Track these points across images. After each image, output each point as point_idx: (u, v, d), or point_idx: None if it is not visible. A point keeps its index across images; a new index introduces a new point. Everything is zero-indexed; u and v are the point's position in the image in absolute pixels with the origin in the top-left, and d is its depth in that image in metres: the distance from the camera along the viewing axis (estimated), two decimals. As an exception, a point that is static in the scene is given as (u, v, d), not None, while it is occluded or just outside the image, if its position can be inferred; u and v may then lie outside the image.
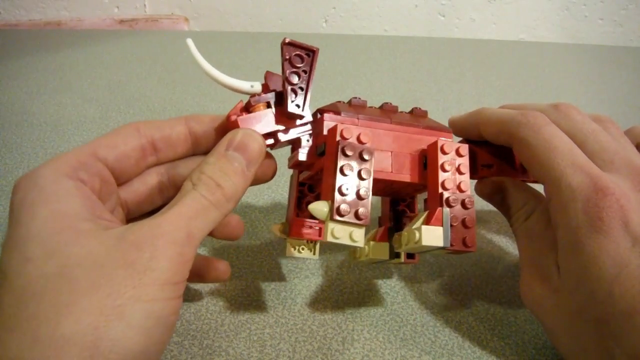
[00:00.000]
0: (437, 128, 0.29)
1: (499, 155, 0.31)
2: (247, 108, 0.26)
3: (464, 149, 0.27)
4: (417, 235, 0.25)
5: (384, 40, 0.78)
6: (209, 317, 0.29)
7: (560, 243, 0.25)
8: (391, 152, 0.27)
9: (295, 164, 0.28)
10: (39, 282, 0.19)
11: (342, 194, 0.24)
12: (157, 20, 1.07)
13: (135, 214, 0.26)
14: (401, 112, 0.29)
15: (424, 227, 0.25)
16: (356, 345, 0.28)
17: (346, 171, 0.24)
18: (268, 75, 0.26)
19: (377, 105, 0.30)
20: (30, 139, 0.46)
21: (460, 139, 0.32)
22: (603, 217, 0.23)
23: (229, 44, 0.71)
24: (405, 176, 0.27)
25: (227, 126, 0.25)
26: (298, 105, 0.25)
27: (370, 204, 0.24)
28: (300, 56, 0.25)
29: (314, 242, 0.28)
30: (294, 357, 0.27)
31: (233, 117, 0.25)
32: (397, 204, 0.32)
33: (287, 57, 0.25)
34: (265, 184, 0.41)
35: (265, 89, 0.26)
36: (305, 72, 0.25)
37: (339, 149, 0.24)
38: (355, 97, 0.28)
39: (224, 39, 0.72)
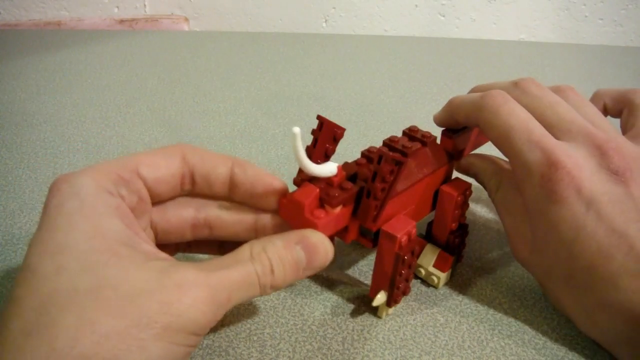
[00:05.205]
0: (442, 159, 0.31)
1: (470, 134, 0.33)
2: (325, 203, 0.25)
3: (468, 190, 0.31)
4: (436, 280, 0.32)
5: (384, 40, 0.78)
6: (209, 317, 0.29)
7: (528, 212, 0.28)
8: (415, 205, 0.30)
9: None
10: (68, 292, 0.18)
11: (397, 288, 0.28)
12: (157, 20, 1.07)
13: (163, 241, 0.26)
14: (421, 148, 0.30)
15: (442, 275, 0.31)
16: (356, 345, 0.28)
17: (402, 272, 0.27)
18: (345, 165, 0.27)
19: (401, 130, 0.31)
20: (30, 139, 0.46)
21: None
22: (557, 190, 0.25)
23: (229, 44, 0.70)
24: (422, 215, 0.31)
25: (296, 215, 0.25)
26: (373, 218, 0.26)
27: None
28: (391, 169, 0.24)
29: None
30: (294, 357, 0.27)
31: (310, 217, 0.24)
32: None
33: (379, 170, 0.24)
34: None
35: (340, 171, 0.25)
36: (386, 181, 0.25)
37: (399, 260, 0.27)
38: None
39: (224, 39, 0.72)
